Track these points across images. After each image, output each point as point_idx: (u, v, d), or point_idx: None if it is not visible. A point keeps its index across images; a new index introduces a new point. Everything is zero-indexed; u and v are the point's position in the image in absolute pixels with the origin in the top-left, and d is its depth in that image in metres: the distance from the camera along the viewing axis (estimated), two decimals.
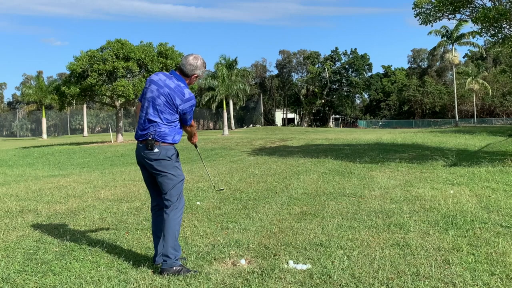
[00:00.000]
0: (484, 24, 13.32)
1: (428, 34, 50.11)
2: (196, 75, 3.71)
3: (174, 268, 3.54)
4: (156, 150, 3.58)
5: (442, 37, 50.71)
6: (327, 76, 69.28)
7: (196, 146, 4.18)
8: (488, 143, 19.76)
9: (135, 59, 28.01)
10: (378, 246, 4.16)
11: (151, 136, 3.58)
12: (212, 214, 5.75)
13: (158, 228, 3.76)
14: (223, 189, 3.13)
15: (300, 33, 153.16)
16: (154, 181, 3.76)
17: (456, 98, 55.24)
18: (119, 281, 3.41)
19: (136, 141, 3.75)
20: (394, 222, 5.06)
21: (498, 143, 19.70)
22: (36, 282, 3.44)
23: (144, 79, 28.13)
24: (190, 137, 4.06)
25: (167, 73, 3.74)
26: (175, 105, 3.57)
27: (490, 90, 59.40)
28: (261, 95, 78.30)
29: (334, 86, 72.52)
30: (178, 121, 3.68)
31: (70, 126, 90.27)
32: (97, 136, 51.58)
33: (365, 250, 4.07)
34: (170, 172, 3.62)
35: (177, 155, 3.73)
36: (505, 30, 14.10)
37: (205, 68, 3.78)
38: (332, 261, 3.77)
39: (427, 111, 72.02)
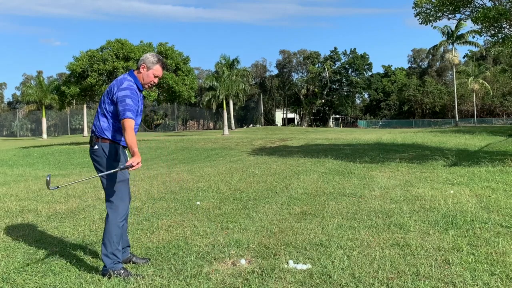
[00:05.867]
0: (484, 24, 13.32)
1: (433, 28, 49.91)
2: (143, 65, 3.68)
3: (116, 271, 3.47)
4: (96, 147, 3.57)
5: (443, 35, 50.68)
6: (327, 76, 69.28)
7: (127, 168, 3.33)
8: (488, 143, 19.75)
9: (135, 59, 28.01)
10: (378, 246, 4.16)
11: (93, 132, 3.62)
12: (212, 214, 5.75)
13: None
14: (58, 187, 3.02)
15: (300, 33, 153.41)
16: None
17: (456, 98, 55.22)
18: (119, 281, 3.41)
19: None
20: (394, 222, 5.06)
21: (498, 143, 19.68)
22: (36, 282, 3.44)
23: None
24: (131, 151, 3.40)
25: None
26: (113, 93, 3.55)
27: (491, 90, 59.37)
28: (261, 95, 78.33)
29: (334, 86, 72.51)
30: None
31: (70, 126, 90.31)
32: None
33: (365, 250, 4.06)
34: (106, 171, 3.53)
35: (117, 154, 3.58)
36: (505, 30, 14.10)
37: (158, 63, 3.69)
38: (332, 261, 3.77)
39: (427, 111, 72.03)
